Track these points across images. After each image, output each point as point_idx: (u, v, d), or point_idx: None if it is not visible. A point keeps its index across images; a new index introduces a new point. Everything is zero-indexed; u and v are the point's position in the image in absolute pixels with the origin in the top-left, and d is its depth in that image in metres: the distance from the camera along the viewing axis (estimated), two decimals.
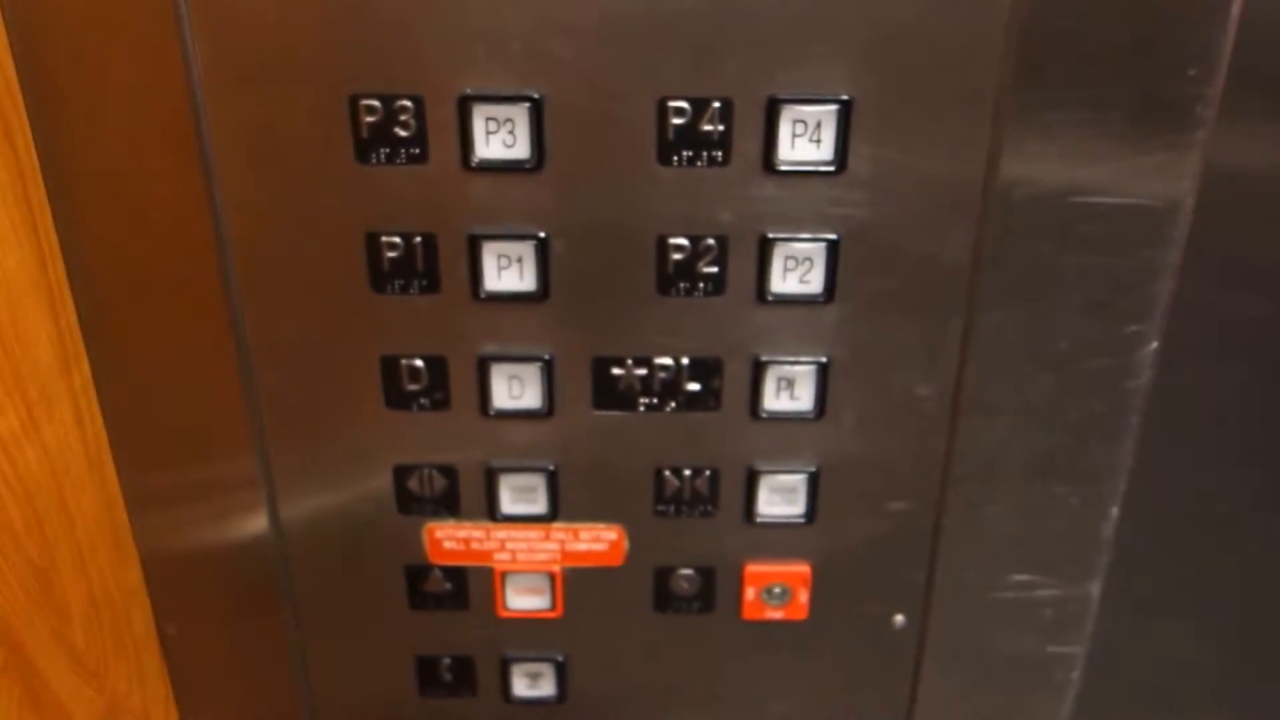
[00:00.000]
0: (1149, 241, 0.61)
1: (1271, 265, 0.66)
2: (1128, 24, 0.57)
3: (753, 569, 0.72)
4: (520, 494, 0.71)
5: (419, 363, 0.67)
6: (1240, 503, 0.75)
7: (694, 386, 0.67)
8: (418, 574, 0.73)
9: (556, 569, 0.73)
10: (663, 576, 0.73)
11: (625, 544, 0.72)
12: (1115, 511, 0.69)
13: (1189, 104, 0.58)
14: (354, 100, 0.60)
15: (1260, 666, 0.83)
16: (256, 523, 0.71)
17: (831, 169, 0.61)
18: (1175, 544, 0.74)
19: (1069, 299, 0.63)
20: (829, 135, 0.60)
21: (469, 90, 0.59)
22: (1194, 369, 0.69)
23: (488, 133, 0.60)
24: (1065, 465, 0.68)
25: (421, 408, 0.68)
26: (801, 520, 0.71)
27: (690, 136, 0.60)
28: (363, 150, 0.61)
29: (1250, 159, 0.63)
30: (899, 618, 0.74)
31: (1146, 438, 0.67)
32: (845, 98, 0.59)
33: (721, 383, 0.67)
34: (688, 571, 0.72)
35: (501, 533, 0.72)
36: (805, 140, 0.60)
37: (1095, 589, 0.71)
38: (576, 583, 0.73)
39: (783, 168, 0.61)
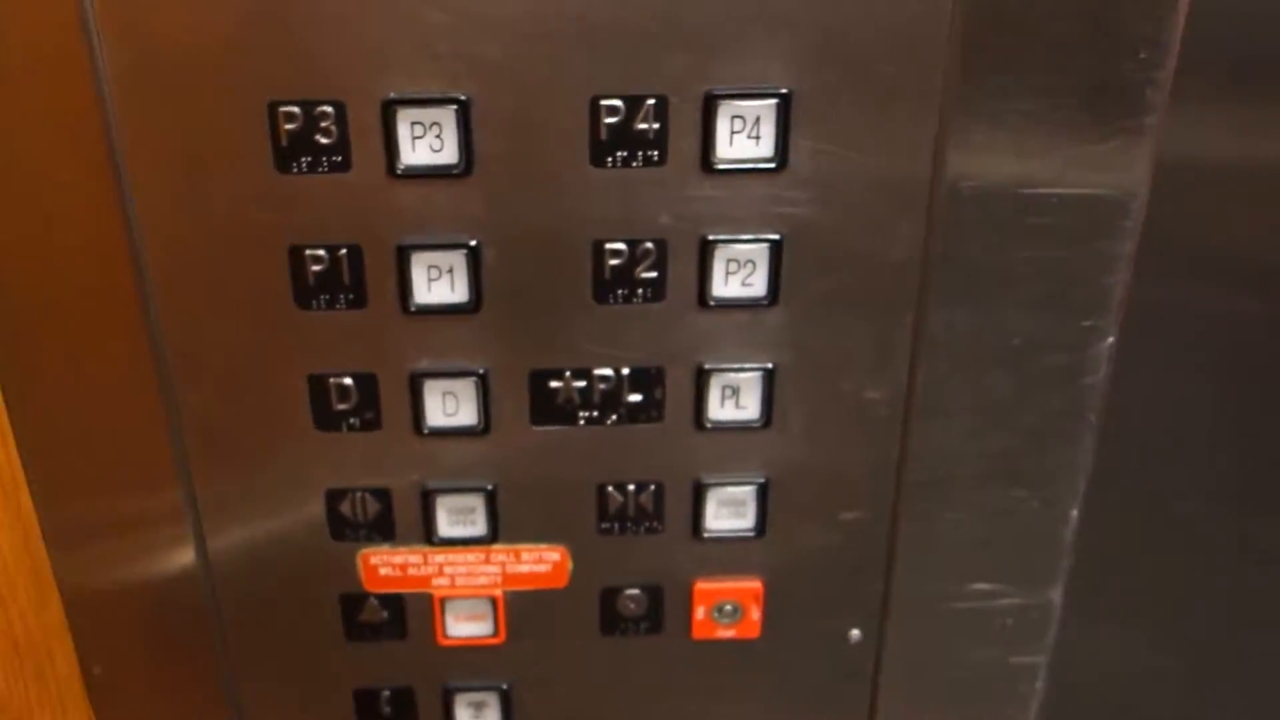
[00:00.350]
0: (1102, 233, 0.60)
1: (1228, 255, 0.65)
2: (1075, 6, 0.55)
3: (702, 587, 0.70)
4: (458, 516, 0.68)
5: (348, 381, 0.64)
6: (1199, 502, 0.74)
7: (635, 397, 0.65)
8: (353, 603, 0.71)
9: (498, 593, 0.70)
10: (609, 597, 0.70)
11: (569, 565, 0.70)
12: (1075, 515, 0.67)
13: (1139, 89, 0.57)
14: (273, 107, 0.57)
15: (1222, 670, 0.81)
16: (183, 554, 0.69)
17: (772, 166, 0.59)
18: (1135, 546, 0.73)
19: (1022, 294, 0.62)
20: (768, 131, 0.58)
21: (393, 94, 0.57)
22: (1152, 365, 0.68)
23: (413, 138, 0.58)
24: (1023, 467, 0.66)
25: (352, 428, 0.65)
26: (751, 534, 0.69)
27: (624, 136, 0.58)
28: (283, 159, 0.58)
29: (1205, 146, 0.61)
30: (855, 632, 0.72)
31: (1106, 437, 0.66)
32: (784, 91, 0.58)
33: (664, 393, 0.65)
34: (634, 591, 0.70)
35: (440, 557, 0.69)
36: (744, 137, 0.59)
37: (1057, 596, 0.70)
38: (519, 607, 0.71)
39: (721, 166, 0.59)
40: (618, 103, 0.58)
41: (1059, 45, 0.56)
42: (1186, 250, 0.65)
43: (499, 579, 0.70)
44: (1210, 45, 0.57)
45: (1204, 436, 0.72)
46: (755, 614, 0.71)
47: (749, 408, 0.65)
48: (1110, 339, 0.63)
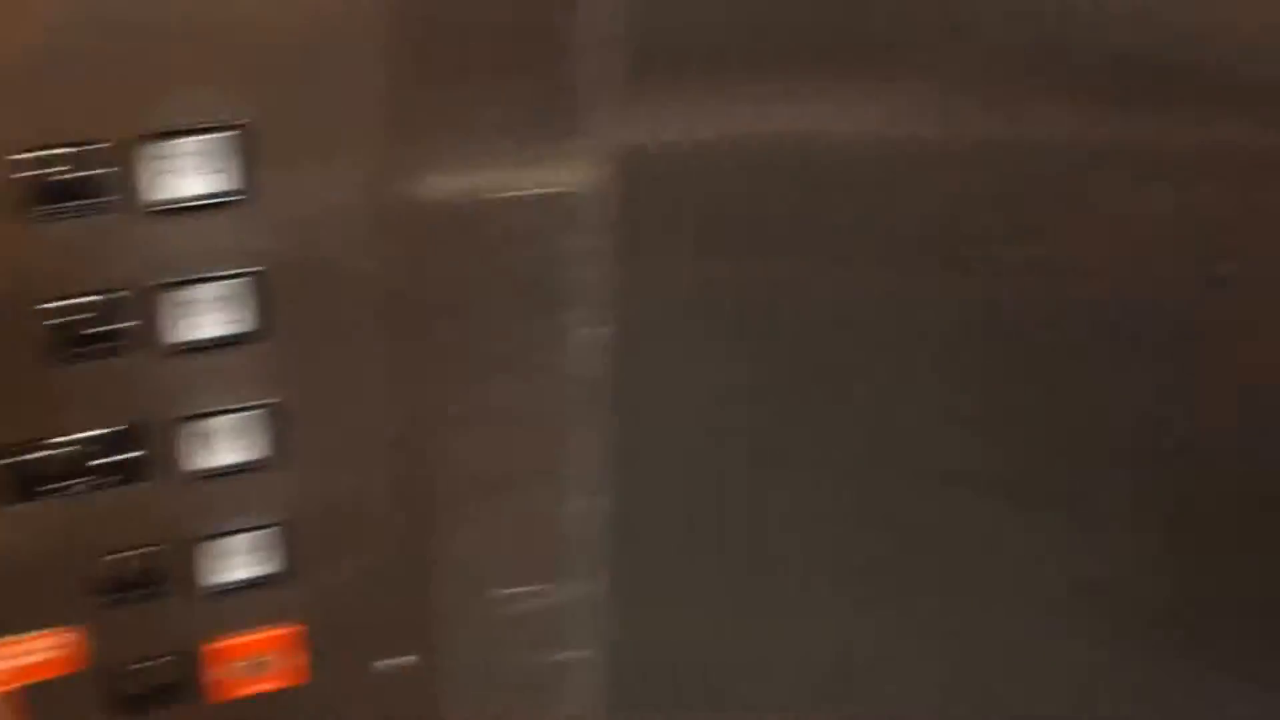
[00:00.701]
0: (568, 228, 0.60)
1: (711, 224, 0.65)
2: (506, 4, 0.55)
3: (224, 644, 0.67)
4: None
5: None
6: (736, 478, 0.75)
7: (111, 459, 0.60)
8: None
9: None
10: (122, 678, 0.66)
11: (87, 644, 0.64)
12: (600, 505, 0.68)
13: (583, 84, 0.57)
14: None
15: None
16: None
17: (229, 200, 0.56)
18: (672, 530, 0.74)
19: (503, 299, 0.61)
20: (219, 165, 0.55)
21: None
22: (659, 346, 0.68)
23: None
24: (537, 467, 0.66)
25: None
26: (272, 580, 0.66)
27: (58, 187, 0.54)
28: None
29: (665, 124, 0.62)
30: (409, 658, 0.71)
31: (623, 425, 0.66)
32: (236, 123, 0.55)
33: (151, 449, 0.61)
34: (149, 664, 0.66)
35: None
36: (196, 174, 0.55)
37: (598, 587, 0.70)
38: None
39: (175, 206, 0.56)
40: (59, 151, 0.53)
41: (494, 45, 0.55)
42: (671, 227, 0.66)
43: (5, 675, 0.64)
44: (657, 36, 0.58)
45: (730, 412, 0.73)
46: (300, 660, 0.68)
47: (247, 449, 0.62)
48: (604, 329, 0.63)
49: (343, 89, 0.55)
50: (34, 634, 0.64)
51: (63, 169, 0.54)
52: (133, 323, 0.58)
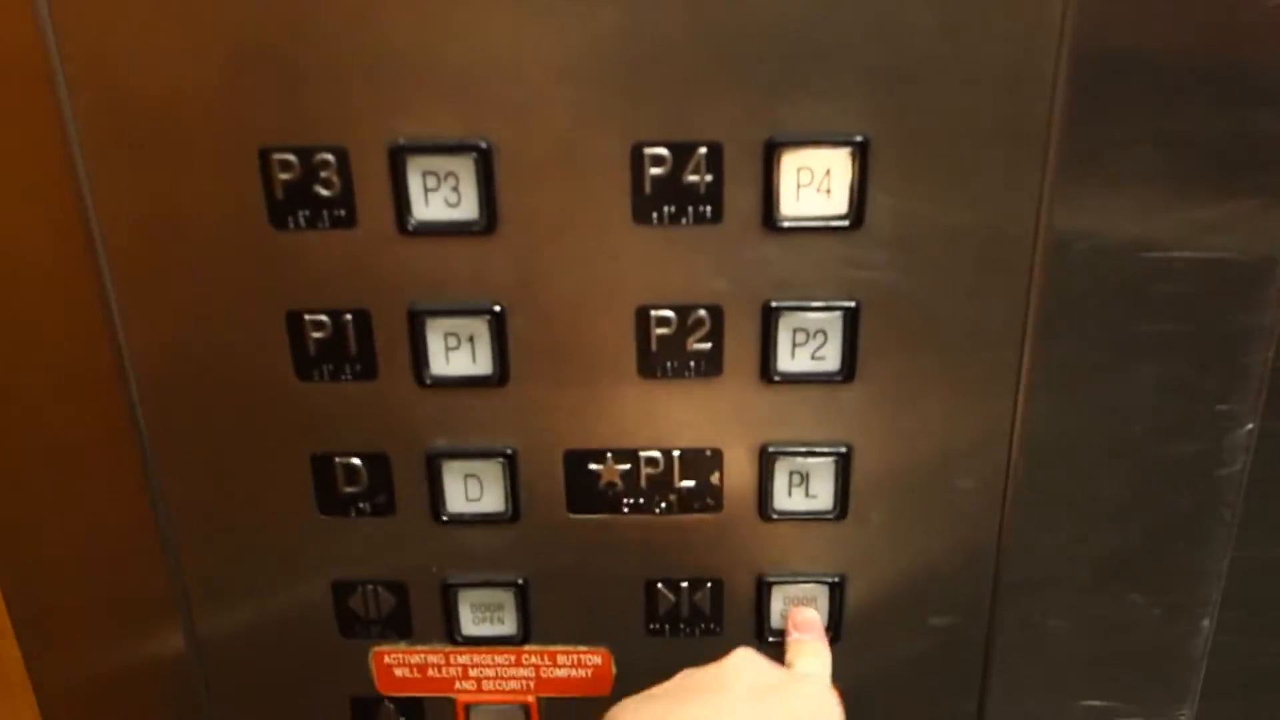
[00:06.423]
0: (1239, 303, 0.56)
1: None
2: (1202, 40, 0.52)
3: None
4: (484, 612, 0.66)
5: (356, 461, 0.62)
6: None
7: (688, 483, 0.62)
8: (365, 707, 0.68)
9: (531, 699, 0.68)
10: None
11: (613, 670, 0.67)
12: (1207, 625, 0.64)
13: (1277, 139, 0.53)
14: (265, 155, 0.55)
15: None
16: (171, 649, 0.67)
17: (845, 224, 0.56)
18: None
19: (1143, 374, 0.58)
20: (841, 184, 0.55)
21: (401, 140, 0.55)
22: None
23: (426, 190, 0.56)
24: (1142, 570, 0.63)
25: (361, 513, 0.63)
26: None
27: (672, 189, 0.55)
28: (278, 214, 0.56)
29: None
30: None
31: (1245, 535, 0.62)
32: (859, 139, 0.54)
33: (722, 478, 0.62)
34: None
35: (463, 657, 0.67)
36: (813, 190, 0.55)
37: (1187, 717, 0.66)
38: (555, 716, 0.68)
39: (786, 224, 0.56)
40: (663, 151, 0.55)
41: (1186, 86, 0.52)
42: None
43: (532, 684, 0.67)
44: None
45: None
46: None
47: (821, 496, 0.62)
48: (1249, 426, 0.59)
49: (991, 114, 0.54)
50: (565, 647, 0.66)
51: (666, 170, 0.55)
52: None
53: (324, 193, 0.56)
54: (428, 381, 0.60)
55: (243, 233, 0.57)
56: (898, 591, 0.65)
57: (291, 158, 0.55)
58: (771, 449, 0.61)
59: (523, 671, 0.67)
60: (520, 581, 0.65)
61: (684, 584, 0.65)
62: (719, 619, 0.65)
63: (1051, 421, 0.59)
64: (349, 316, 0.58)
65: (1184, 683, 0.66)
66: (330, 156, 0.55)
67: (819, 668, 0.63)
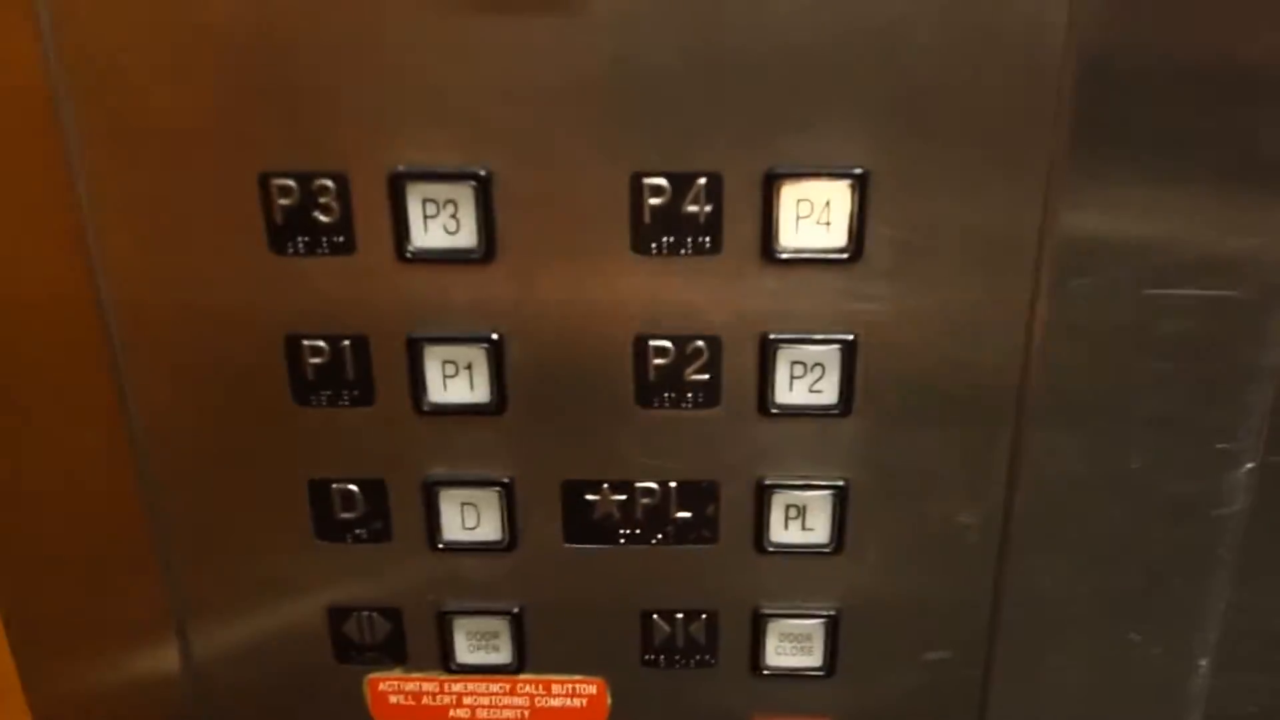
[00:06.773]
0: (1243, 338, 0.56)
1: None
2: (1211, 68, 0.52)
3: None
4: (479, 640, 0.66)
5: (353, 487, 0.62)
6: None
7: (685, 514, 0.62)
8: None
9: None
10: None
11: (608, 700, 0.67)
12: (1205, 664, 0.63)
13: None
14: (265, 179, 0.55)
15: None
16: (165, 673, 0.67)
17: (845, 256, 0.56)
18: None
19: (1142, 410, 0.58)
20: (841, 216, 0.55)
21: (401, 167, 0.55)
22: None
23: (425, 217, 0.56)
24: (1140, 608, 0.63)
25: (358, 539, 0.63)
26: (819, 673, 0.66)
27: (671, 219, 0.56)
28: (277, 239, 0.57)
29: None
30: None
31: (1245, 574, 0.62)
32: (859, 171, 0.55)
33: (718, 510, 0.62)
34: None
35: (458, 685, 0.67)
36: (812, 222, 0.56)
37: None
38: None
39: (785, 255, 0.56)
40: (663, 181, 0.55)
41: (1190, 115, 0.52)
42: None
43: (527, 713, 0.67)
44: None
45: None
46: None
47: (817, 530, 0.62)
48: (1249, 465, 0.59)
49: (991, 144, 0.54)
50: (560, 676, 0.67)
51: (665, 200, 0.55)
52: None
53: (323, 218, 0.56)
54: (425, 409, 0.60)
55: (242, 257, 0.57)
56: (894, 626, 0.65)
57: (291, 183, 0.55)
58: (768, 481, 0.61)
59: (517, 700, 0.67)
60: (516, 610, 0.65)
61: (679, 615, 0.65)
62: (714, 650, 0.66)
63: (1048, 458, 0.60)
64: (347, 342, 0.59)
65: None
66: (330, 182, 0.55)
67: None
